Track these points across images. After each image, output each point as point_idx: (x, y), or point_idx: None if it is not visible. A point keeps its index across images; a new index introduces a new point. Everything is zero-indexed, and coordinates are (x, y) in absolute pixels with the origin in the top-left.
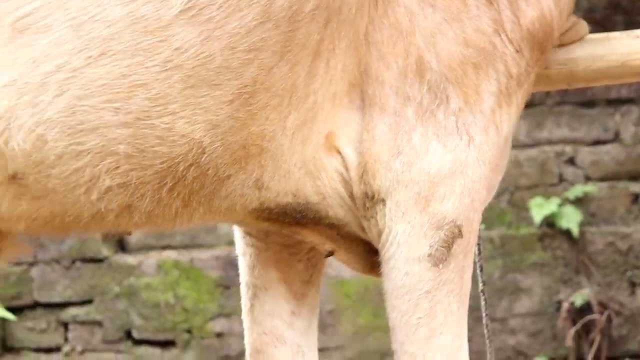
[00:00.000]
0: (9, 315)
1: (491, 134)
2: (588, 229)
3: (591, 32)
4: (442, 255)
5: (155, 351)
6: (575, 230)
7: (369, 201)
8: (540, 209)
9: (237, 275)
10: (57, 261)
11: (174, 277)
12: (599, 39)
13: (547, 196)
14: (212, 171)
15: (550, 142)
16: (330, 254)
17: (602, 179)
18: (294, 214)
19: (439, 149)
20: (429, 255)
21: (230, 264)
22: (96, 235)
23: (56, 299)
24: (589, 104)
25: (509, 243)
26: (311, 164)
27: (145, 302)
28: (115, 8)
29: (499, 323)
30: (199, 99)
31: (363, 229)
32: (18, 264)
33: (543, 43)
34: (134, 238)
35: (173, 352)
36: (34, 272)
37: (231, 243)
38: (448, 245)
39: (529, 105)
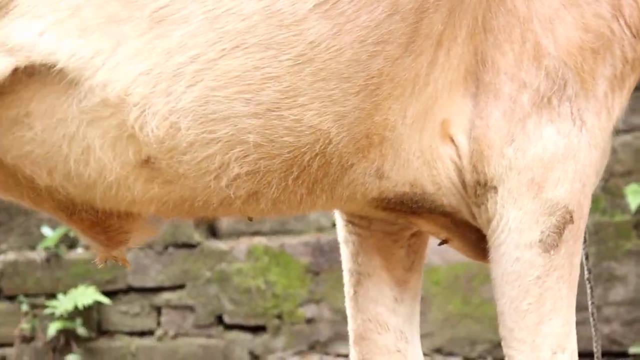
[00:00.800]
0: (104, 299)
1: (603, 119)
2: None
3: None
4: (553, 241)
5: (246, 336)
6: None
7: (481, 188)
8: (635, 196)
9: (327, 261)
10: (151, 246)
11: (264, 263)
12: None
13: None
14: (336, 160)
15: None
16: (445, 241)
17: None
18: (411, 204)
19: (552, 135)
20: (540, 241)
21: (320, 250)
22: (189, 221)
23: (149, 283)
24: None
25: (604, 230)
26: (428, 153)
27: (236, 288)
28: (251, 2)
29: None
30: (328, 91)
31: (473, 216)
32: None
33: None
34: (225, 224)
35: (264, 337)
36: (128, 257)
37: (320, 229)
38: (559, 231)
39: None
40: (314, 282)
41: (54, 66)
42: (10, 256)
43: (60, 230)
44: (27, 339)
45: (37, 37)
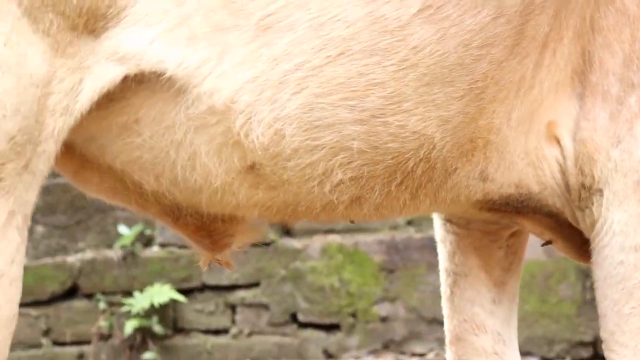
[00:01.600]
0: (180, 297)
1: None
2: None
3: None
4: None
5: (320, 334)
6: None
7: (585, 191)
8: None
9: (401, 259)
10: None
11: (338, 261)
12: None
13: None
14: (440, 165)
15: None
16: (549, 242)
17: None
18: (516, 204)
19: None
20: None
21: (394, 247)
22: None
23: (224, 281)
24: None
25: None
26: (533, 155)
27: (310, 286)
28: (355, 8)
29: None
30: (432, 96)
31: (576, 219)
32: (187, 247)
33: None
34: (299, 222)
35: (338, 335)
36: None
37: (395, 227)
38: None
39: None
40: (388, 280)
41: (163, 74)
42: (88, 255)
43: (137, 229)
44: (105, 337)
45: (147, 46)
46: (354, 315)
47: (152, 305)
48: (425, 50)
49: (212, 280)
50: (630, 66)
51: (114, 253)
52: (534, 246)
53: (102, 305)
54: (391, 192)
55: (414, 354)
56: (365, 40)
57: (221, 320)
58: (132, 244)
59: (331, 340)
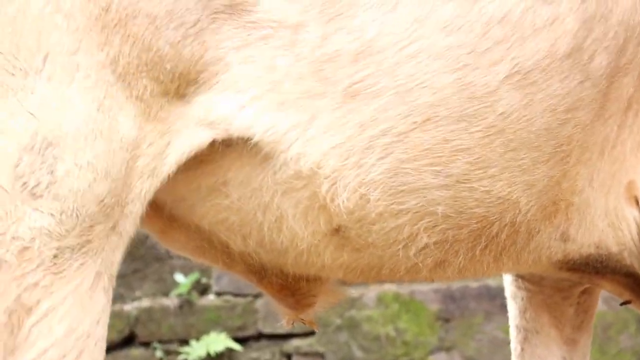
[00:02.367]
0: (235, 346)
1: None
2: None
3: None
4: None
5: None
6: None
7: None
8: None
9: (457, 308)
10: None
11: (394, 310)
12: None
13: None
14: (524, 228)
15: None
16: (627, 302)
17: None
18: (595, 265)
19: None
20: None
21: (450, 297)
22: None
23: (280, 330)
24: None
25: None
26: (613, 215)
27: (366, 335)
28: (443, 75)
29: None
30: (519, 161)
31: None
32: (243, 295)
33: None
34: None
35: None
36: (259, 303)
37: None
38: None
39: None
40: (444, 329)
41: (251, 139)
42: (145, 303)
43: (193, 277)
44: None
45: (237, 112)
46: None
47: (209, 354)
48: (512, 116)
49: (267, 329)
50: None
51: (171, 301)
52: None
53: (158, 353)
54: (475, 256)
55: None
56: (452, 106)
57: None
58: (189, 292)
59: None
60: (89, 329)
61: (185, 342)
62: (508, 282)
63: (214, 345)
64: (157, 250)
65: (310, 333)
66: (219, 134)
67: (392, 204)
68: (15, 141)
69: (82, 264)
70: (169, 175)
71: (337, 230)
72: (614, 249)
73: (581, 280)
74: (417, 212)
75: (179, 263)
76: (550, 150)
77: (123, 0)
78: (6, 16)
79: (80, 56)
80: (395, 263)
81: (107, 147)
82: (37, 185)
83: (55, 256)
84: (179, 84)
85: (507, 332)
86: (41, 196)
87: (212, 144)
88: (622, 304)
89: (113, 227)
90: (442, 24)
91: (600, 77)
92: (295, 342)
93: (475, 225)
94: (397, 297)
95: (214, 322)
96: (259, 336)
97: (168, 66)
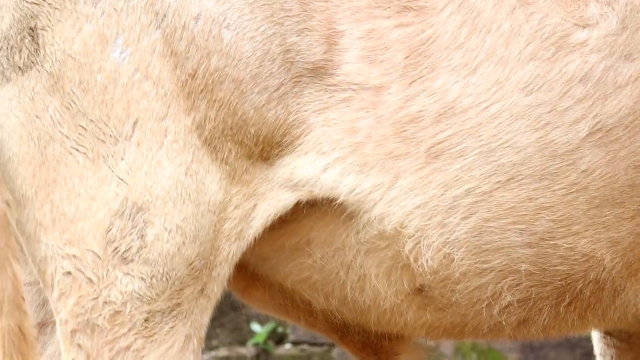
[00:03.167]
0: None
1: None
2: None
3: None
4: None
5: None
6: None
7: None
8: None
9: (536, 357)
10: None
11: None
12: None
13: None
14: (609, 285)
15: None
16: None
17: None
18: None
19: None
20: None
21: (530, 346)
22: None
23: None
24: None
25: None
26: None
27: None
28: (525, 134)
29: None
30: (602, 218)
31: None
32: (320, 344)
33: None
34: None
35: None
36: (335, 353)
37: None
38: None
39: None
40: None
41: (336, 200)
42: (222, 352)
43: (269, 327)
44: None
45: (321, 173)
46: None
47: None
48: (595, 174)
49: None
50: None
51: (248, 351)
52: None
53: None
54: (560, 314)
55: None
56: (535, 165)
57: None
58: (265, 342)
59: None
60: None
61: None
62: (597, 339)
63: None
64: (233, 299)
65: None
66: (303, 195)
67: (476, 263)
68: (107, 207)
69: (172, 328)
70: (255, 238)
71: (420, 290)
72: None
73: None
74: (501, 270)
75: (256, 312)
76: (635, 207)
77: (210, 66)
78: (97, 85)
79: (168, 121)
80: (478, 322)
81: (196, 211)
82: (128, 250)
83: (146, 320)
84: (263, 147)
85: None
86: (132, 261)
87: (297, 205)
88: None
89: (202, 290)
90: (523, 84)
91: None
92: None
93: (559, 283)
94: (475, 346)
95: None
96: None
97: (253, 130)
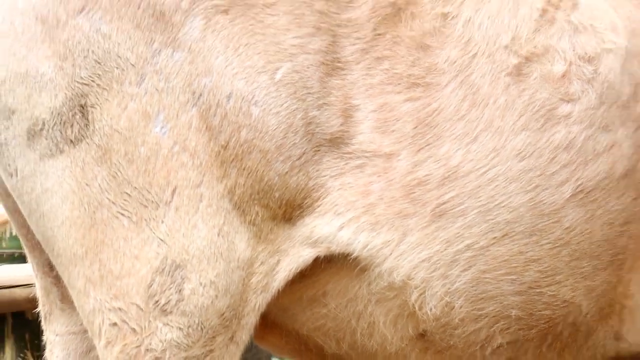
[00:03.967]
0: None
1: None
2: None
3: None
4: None
5: None
6: None
7: None
8: None
9: None
10: None
11: None
12: None
13: None
14: (584, 327)
15: None
16: None
17: None
18: None
19: None
20: None
21: None
22: None
23: None
24: None
25: None
26: None
27: None
28: (518, 196)
29: None
30: (581, 269)
31: None
32: None
33: None
34: None
35: None
36: None
37: None
38: None
39: None
40: None
41: (350, 255)
42: None
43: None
44: None
45: (337, 231)
46: None
47: None
48: (576, 230)
49: None
50: None
51: None
52: None
53: None
54: (542, 353)
55: None
56: (526, 222)
57: None
58: None
59: None
60: None
61: None
62: None
63: None
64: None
65: None
66: (321, 251)
67: (473, 310)
68: (148, 265)
69: None
70: (278, 290)
71: (422, 335)
72: None
73: None
74: (494, 316)
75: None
76: (608, 258)
77: (240, 138)
78: (140, 156)
79: (203, 188)
80: None
81: (227, 267)
82: (167, 302)
83: None
84: (286, 209)
85: None
86: (171, 312)
87: (315, 260)
88: None
89: (231, 338)
90: (516, 151)
91: None
92: None
93: (543, 326)
94: None
95: None
96: None
97: (277, 194)
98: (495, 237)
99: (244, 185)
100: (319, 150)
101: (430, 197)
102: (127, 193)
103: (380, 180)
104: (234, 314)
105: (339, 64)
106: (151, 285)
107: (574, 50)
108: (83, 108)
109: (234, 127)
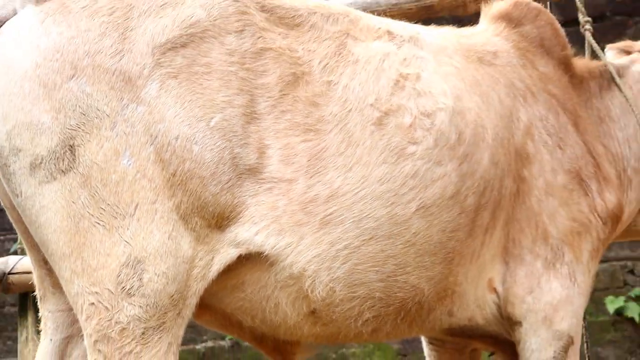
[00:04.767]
0: None
1: (585, 276)
2: None
3: None
4: (562, 357)
5: None
6: (637, 318)
7: (512, 323)
8: (612, 304)
9: (411, 346)
10: None
11: (370, 348)
12: None
13: (616, 295)
14: (426, 306)
15: (617, 259)
16: (493, 353)
17: None
18: (469, 332)
19: (557, 288)
20: (553, 357)
21: (407, 340)
22: None
23: None
24: None
25: (592, 327)
26: (480, 299)
27: None
28: (379, 209)
29: None
30: (424, 263)
31: (509, 337)
32: None
33: (617, 218)
34: None
35: None
36: None
37: None
38: (565, 350)
39: None
40: None
41: (263, 253)
42: (209, 344)
43: None
44: None
45: (253, 236)
46: None
47: None
48: (419, 235)
49: None
50: (535, 244)
51: (226, 343)
52: None
53: None
54: (397, 324)
55: None
56: (385, 229)
57: None
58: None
59: None
60: None
61: None
62: (425, 344)
63: None
64: None
65: None
66: (242, 250)
67: (348, 293)
68: (117, 260)
69: (159, 338)
70: (212, 279)
71: (313, 312)
72: (481, 321)
73: (462, 342)
74: (363, 297)
75: None
76: (442, 256)
77: (184, 168)
78: (112, 182)
79: (157, 204)
80: (347, 331)
81: (175, 262)
82: (131, 288)
83: (143, 333)
84: (217, 220)
85: None
86: (134, 295)
87: (239, 257)
88: (489, 355)
89: (179, 313)
90: (378, 178)
91: (470, 211)
92: None
93: (397, 304)
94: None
95: (255, 357)
96: None
97: (211, 209)
98: (364, 240)
99: (187, 202)
100: (241, 177)
101: (319, 210)
102: (102, 208)
103: (284, 199)
104: (180, 296)
105: (256, 115)
106: (119, 275)
107: (417, 108)
108: (71, 147)
109: (180, 160)
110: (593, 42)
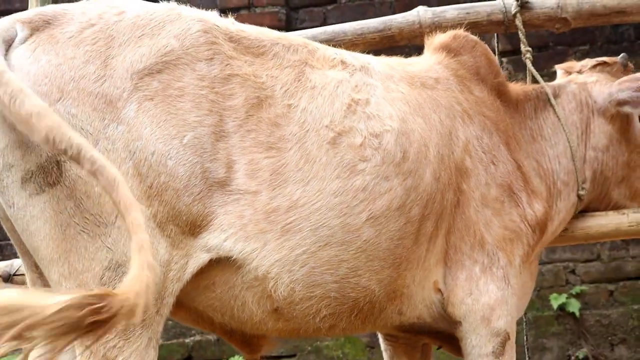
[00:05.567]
0: None
1: (517, 278)
2: (585, 312)
3: None
4: (500, 351)
5: None
6: (577, 313)
7: (454, 322)
8: (556, 300)
9: (378, 340)
10: None
11: (342, 341)
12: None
13: (559, 292)
14: (377, 306)
15: (560, 260)
16: (440, 347)
17: (591, 282)
18: (418, 328)
19: (494, 290)
20: (492, 352)
21: (374, 333)
22: None
23: (274, 353)
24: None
25: (538, 320)
26: (427, 300)
27: (325, 356)
28: (334, 219)
29: None
30: (374, 267)
31: (454, 333)
32: None
33: (545, 227)
34: None
35: None
36: None
37: None
38: (503, 345)
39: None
40: (371, 352)
41: (231, 258)
42: (197, 337)
43: None
44: None
45: (223, 242)
46: None
47: None
48: (370, 242)
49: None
50: (474, 250)
51: (212, 336)
52: None
53: None
54: (351, 321)
55: None
56: (339, 236)
57: None
58: None
59: None
60: None
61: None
62: (381, 339)
63: None
64: None
65: (293, 355)
66: (213, 255)
67: (307, 292)
68: (100, 264)
69: (140, 333)
70: (186, 281)
71: (276, 310)
72: (428, 319)
73: (412, 337)
74: (320, 297)
75: None
76: (390, 261)
77: (160, 181)
78: (95, 193)
79: None
80: (307, 327)
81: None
82: (113, 289)
83: (125, 329)
84: (190, 227)
85: None
86: None
87: (210, 261)
88: (437, 348)
89: (157, 311)
90: (333, 191)
91: (415, 221)
92: None
93: (351, 303)
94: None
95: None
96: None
97: (184, 218)
98: (320, 245)
99: (163, 211)
100: (211, 189)
101: (280, 219)
102: (86, 217)
103: (250, 209)
104: (159, 295)
105: (224, 134)
106: (102, 278)
107: (367, 130)
108: (58, 163)
109: (156, 174)
110: (532, 68)
